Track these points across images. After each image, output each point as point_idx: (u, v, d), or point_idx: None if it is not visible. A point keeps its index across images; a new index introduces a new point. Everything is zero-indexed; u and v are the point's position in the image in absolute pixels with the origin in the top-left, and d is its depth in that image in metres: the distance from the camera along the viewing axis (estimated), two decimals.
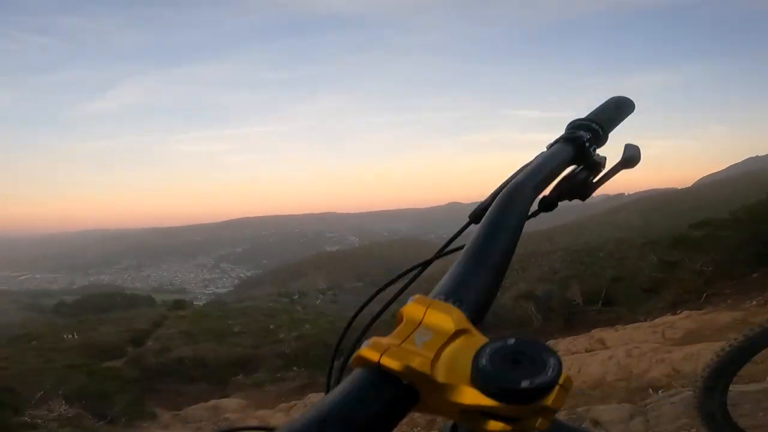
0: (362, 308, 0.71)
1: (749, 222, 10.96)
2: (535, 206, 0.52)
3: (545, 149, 0.57)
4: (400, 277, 0.69)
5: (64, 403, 6.47)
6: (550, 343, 9.93)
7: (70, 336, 22.12)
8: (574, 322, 11.50)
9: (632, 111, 0.66)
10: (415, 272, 0.66)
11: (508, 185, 0.50)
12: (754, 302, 6.77)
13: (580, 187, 0.55)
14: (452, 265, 0.41)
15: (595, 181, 0.55)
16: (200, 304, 54.90)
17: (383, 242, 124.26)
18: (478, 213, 0.53)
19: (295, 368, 16.43)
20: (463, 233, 0.61)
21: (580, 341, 8.55)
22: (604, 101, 0.66)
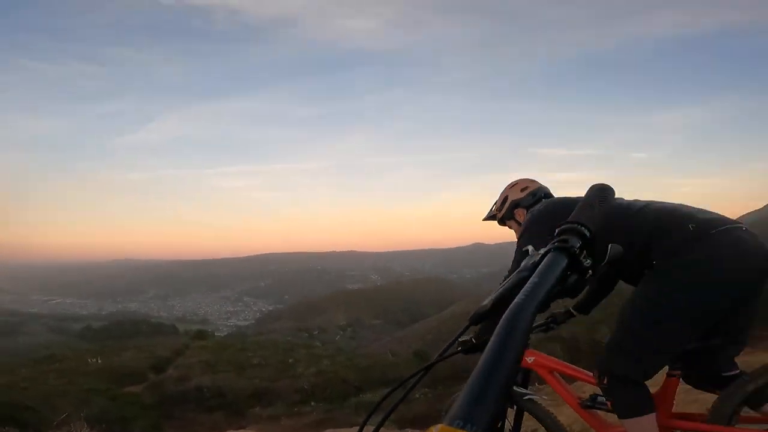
0: (370, 416, 0.83)
1: None
2: None
3: (537, 253, 0.62)
4: (404, 382, 0.80)
5: (85, 425, 6.56)
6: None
7: (94, 360, 22.50)
8: None
9: (614, 196, 0.73)
10: (419, 376, 0.76)
11: (510, 310, 0.50)
12: None
13: (571, 289, 0.59)
14: (466, 385, 0.43)
15: (584, 281, 0.60)
16: (221, 335, 55.18)
17: (405, 281, 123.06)
18: (477, 317, 0.56)
19: (312, 403, 16.16)
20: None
21: None
22: (586, 192, 0.71)
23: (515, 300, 0.51)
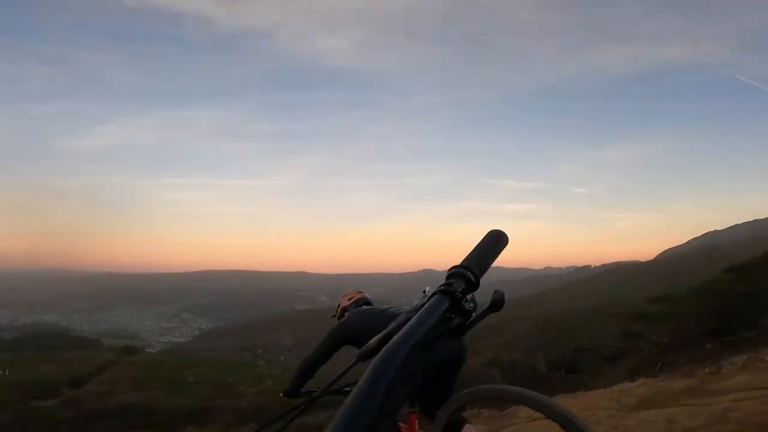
0: None
1: (704, 297, 11.54)
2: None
3: (426, 294, 0.67)
4: (286, 414, 0.81)
5: None
6: (512, 409, 9.76)
7: (2, 372, 20.51)
8: (538, 389, 11.41)
9: (506, 245, 0.78)
10: (300, 408, 0.79)
11: (386, 347, 0.54)
12: (707, 370, 6.97)
13: (455, 330, 0.64)
14: (340, 408, 0.47)
15: (467, 324, 0.65)
16: (153, 351, 51.51)
17: None
18: (364, 355, 0.59)
19: (251, 423, 15.37)
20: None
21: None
22: (483, 237, 0.77)
23: (392, 339, 0.55)
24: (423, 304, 0.63)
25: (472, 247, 0.75)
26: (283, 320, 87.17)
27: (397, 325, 0.60)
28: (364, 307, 2.68)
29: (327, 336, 2.50)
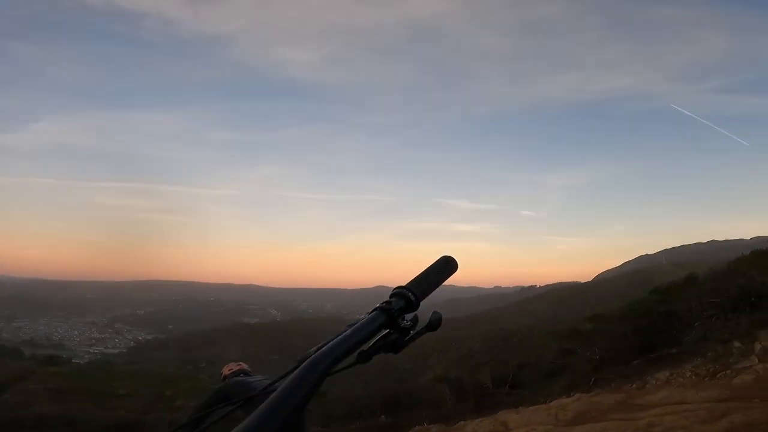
0: None
1: (632, 316, 12.37)
2: (353, 358, 0.65)
3: (368, 313, 0.71)
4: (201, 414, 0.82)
5: None
6: (459, 425, 9.94)
7: None
8: (484, 403, 11.68)
9: (455, 271, 0.83)
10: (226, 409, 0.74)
11: (314, 354, 0.59)
12: (634, 385, 7.47)
13: (392, 346, 0.68)
14: (266, 400, 0.51)
15: (405, 340, 0.69)
16: (81, 362, 47.48)
17: (306, 318, 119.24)
18: (303, 358, 0.62)
19: None
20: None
21: (485, 424, 8.70)
22: (435, 261, 0.82)
23: (321, 350, 0.59)
24: (358, 320, 0.68)
25: (423, 269, 0.80)
26: (230, 333, 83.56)
27: (336, 335, 0.65)
28: (241, 377, 2.61)
29: (207, 397, 2.39)
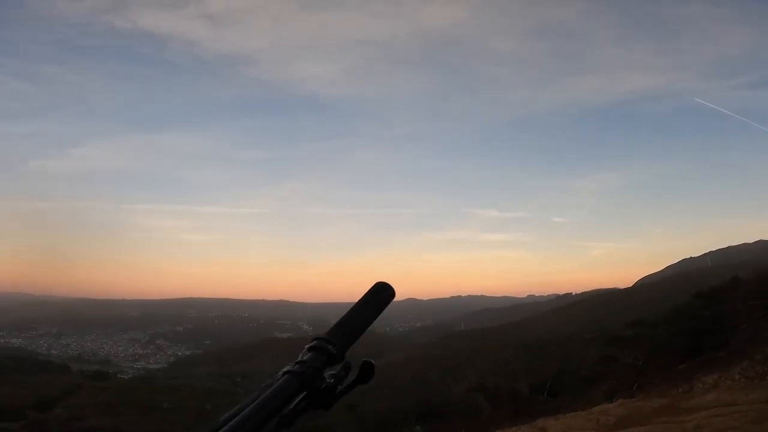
0: None
1: (677, 321, 11.91)
2: (273, 423, 0.56)
3: (280, 374, 0.61)
4: None
5: None
6: None
7: None
8: (521, 411, 11.44)
9: (391, 300, 0.74)
10: None
11: (224, 428, 0.52)
12: (681, 389, 7.18)
13: (319, 404, 0.60)
14: None
15: (335, 395, 0.61)
16: (126, 377, 49.22)
17: None
18: (211, 431, 0.56)
19: None
20: None
21: (523, 430, 8.54)
22: (366, 291, 0.71)
23: (233, 421, 0.53)
24: (269, 385, 0.59)
25: (357, 300, 0.70)
26: (263, 347, 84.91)
27: (245, 404, 0.57)
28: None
29: None
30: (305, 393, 0.59)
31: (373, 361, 0.66)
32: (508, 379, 16.88)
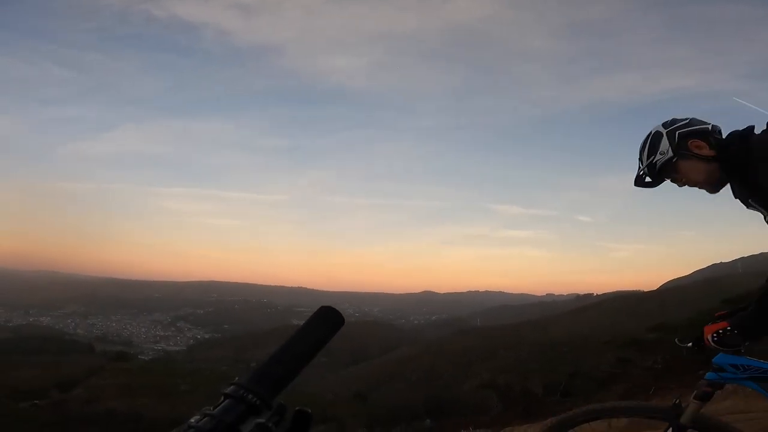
0: None
1: (701, 326, 11.45)
2: None
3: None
4: None
5: None
6: (505, 430, 9.66)
7: None
8: (532, 411, 11.28)
9: (339, 328, 0.58)
10: None
11: None
12: None
13: None
14: None
15: None
16: (146, 359, 51.02)
17: (353, 322, 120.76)
18: None
19: None
20: None
21: (533, 429, 8.41)
22: (309, 317, 0.57)
23: None
24: None
25: (296, 332, 0.57)
26: (279, 334, 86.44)
27: None
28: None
29: None
30: None
31: (309, 410, 0.52)
32: (521, 378, 16.67)
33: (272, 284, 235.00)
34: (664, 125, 1.65)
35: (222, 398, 0.52)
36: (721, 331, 1.57)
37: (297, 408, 0.53)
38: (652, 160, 1.64)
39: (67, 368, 23.15)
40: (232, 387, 0.51)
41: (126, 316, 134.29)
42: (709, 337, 1.61)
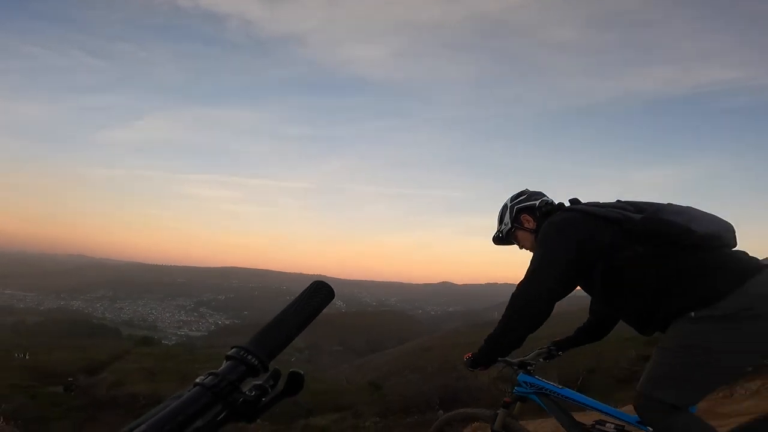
0: None
1: None
2: None
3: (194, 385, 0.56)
4: None
5: (1, 419, 6.14)
6: (521, 423, 9.62)
7: (21, 356, 21.29)
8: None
9: (329, 301, 0.67)
10: None
11: None
12: (721, 394, 6.77)
13: (243, 414, 0.55)
14: None
15: (258, 407, 0.56)
16: (169, 343, 52.72)
17: (370, 311, 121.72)
18: None
19: (258, 421, 15.49)
20: None
21: (547, 424, 8.32)
22: (303, 291, 0.65)
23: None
24: (180, 396, 0.54)
25: (290, 303, 0.65)
26: None
27: (149, 415, 0.52)
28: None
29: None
30: (221, 406, 0.55)
31: (302, 372, 0.60)
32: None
33: (291, 271, 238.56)
34: (511, 199, 2.04)
35: (225, 360, 0.58)
36: (471, 356, 1.89)
37: (291, 370, 0.60)
38: (500, 228, 2.06)
39: (95, 352, 24.04)
40: (234, 350, 0.58)
41: (152, 300, 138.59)
42: (465, 360, 1.93)
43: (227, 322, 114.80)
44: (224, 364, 0.57)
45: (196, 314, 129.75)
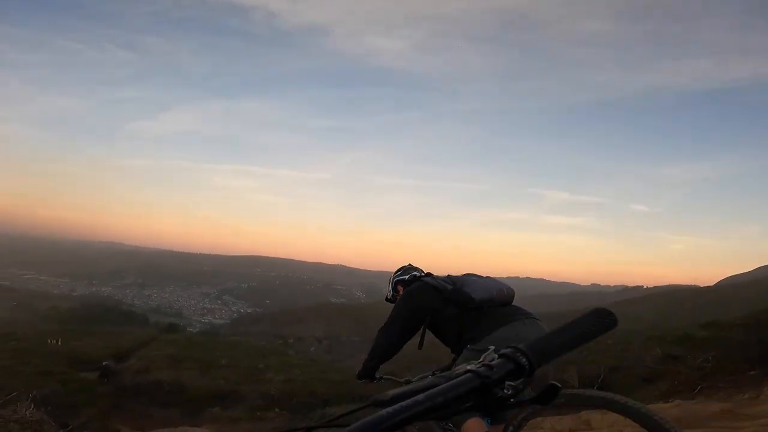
0: None
1: (757, 326, 10.76)
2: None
3: (462, 366, 0.60)
4: None
5: (32, 406, 6.43)
6: (537, 420, 9.51)
7: (54, 342, 22.14)
8: (566, 402, 11.02)
9: (610, 329, 0.67)
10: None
11: (394, 407, 0.52)
12: (746, 396, 6.54)
13: (484, 407, 0.58)
14: None
15: (506, 404, 0.58)
16: (193, 331, 54.28)
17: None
18: (375, 403, 0.56)
19: (276, 410, 15.85)
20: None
21: (566, 421, 8.20)
22: (586, 313, 0.66)
23: (405, 402, 0.52)
24: (450, 377, 0.58)
25: (570, 322, 0.66)
26: (317, 311, 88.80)
27: (418, 387, 0.56)
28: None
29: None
30: (477, 395, 0.58)
31: (559, 385, 0.62)
32: (557, 369, 16.29)
33: (313, 261, 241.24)
34: (394, 273, 2.89)
35: (497, 355, 0.60)
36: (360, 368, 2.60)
37: (551, 382, 0.62)
38: (387, 291, 2.91)
39: (123, 339, 24.80)
40: (509, 349, 0.60)
41: (178, 287, 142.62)
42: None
43: (249, 311, 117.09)
44: (496, 359, 0.59)
45: (219, 302, 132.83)
